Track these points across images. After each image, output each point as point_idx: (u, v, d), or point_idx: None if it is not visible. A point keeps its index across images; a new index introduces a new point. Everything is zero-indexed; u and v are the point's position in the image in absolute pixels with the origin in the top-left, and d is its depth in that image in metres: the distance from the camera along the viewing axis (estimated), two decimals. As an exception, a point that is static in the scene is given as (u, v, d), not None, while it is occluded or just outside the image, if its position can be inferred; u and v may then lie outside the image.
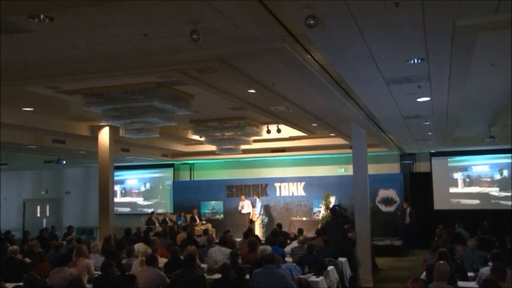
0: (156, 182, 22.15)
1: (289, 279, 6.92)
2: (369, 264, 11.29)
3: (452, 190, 18.31)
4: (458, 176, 18.28)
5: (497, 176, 17.80)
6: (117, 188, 21.83)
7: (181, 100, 9.20)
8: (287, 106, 9.88)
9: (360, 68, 6.50)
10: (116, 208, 18.77)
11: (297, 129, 13.98)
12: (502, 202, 17.48)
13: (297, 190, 19.23)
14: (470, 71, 6.58)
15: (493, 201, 17.72)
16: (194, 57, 6.09)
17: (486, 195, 17.84)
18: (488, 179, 17.92)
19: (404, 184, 18.24)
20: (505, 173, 17.60)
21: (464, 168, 18.29)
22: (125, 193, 22.37)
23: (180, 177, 22.00)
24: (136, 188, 22.34)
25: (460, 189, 18.23)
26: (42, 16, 4.70)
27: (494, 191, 17.80)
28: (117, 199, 21.50)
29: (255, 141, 14.78)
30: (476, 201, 17.90)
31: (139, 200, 22.15)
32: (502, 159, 17.56)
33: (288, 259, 9.08)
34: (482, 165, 18.08)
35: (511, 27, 4.88)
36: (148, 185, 22.21)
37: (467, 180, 18.19)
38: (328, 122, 12.19)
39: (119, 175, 21.50)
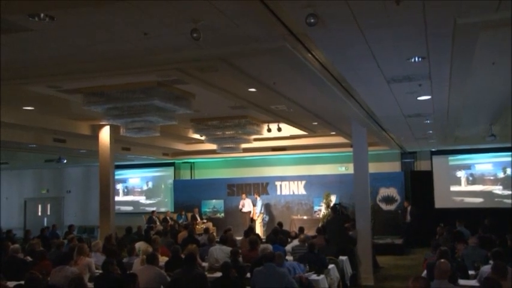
0: (158, 180, 22.17)
1: (289, 278, 6.92)
2: (370, 262, 11.29)
3: (454, 188, 18.30)
4: (461, 174, 18.26)
5: (501, 175, 17.77)
6: (119, 186, 21.87)
7: (182, 99, 9.20)
8: (288, 105, 9.88)
9: (360, 67, 6.49)
10: (118, 207, 18.83)
11: (298, 128, 13.98)
12: (505, 200, 17.46)
13: (298, 189, 19.23)
14: (471, 70, 6.57)
15: (496, 199, 17.70)
16: (195, 56, 6.10)
17: (489, 194, 17.82)
18: (492, 177, 17.90)
19: (405, 182, 18.24)
20: (509, 171, 17.57)
21: (466, 167, 18.27)
22: (127, 192, 22.40)
23: (180, 176, 22.01)
24: (138, 187, 22.36)
25: (463, 187, 18.21)
26: (42, 15, 4.70)
27: (497, 189, 17.77)
28: (120, 198, 21.53)
29: (255, 139, 14.78)
30: (479, 200, 17.88)
31: (142, 199, 22.17)
32: (506, 158, 17.52)
33: (289, 257, 9.09)
34: (485, 164, 18.06)
35: (511, 25, 4.87)
36: (150, 184, 22.24)
37: (471, 178, 18.17)
38: (328, 120, 12.18)
39: (121, 174, 21.53)
